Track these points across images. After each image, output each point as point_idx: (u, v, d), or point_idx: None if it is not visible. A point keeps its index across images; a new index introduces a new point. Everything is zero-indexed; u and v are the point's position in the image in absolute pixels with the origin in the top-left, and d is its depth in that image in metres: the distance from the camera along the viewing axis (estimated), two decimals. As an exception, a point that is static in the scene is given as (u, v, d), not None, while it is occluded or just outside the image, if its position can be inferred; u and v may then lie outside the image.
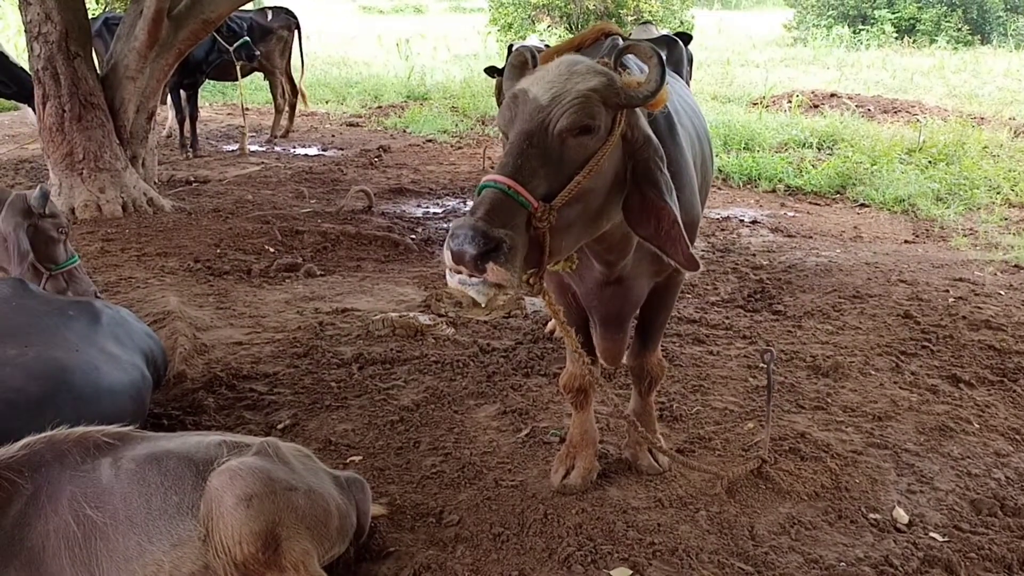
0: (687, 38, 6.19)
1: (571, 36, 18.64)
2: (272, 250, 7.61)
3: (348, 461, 4.15)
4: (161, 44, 8.49)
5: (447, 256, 2.45)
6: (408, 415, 4.61)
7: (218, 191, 9.84)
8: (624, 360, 4.11)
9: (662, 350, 5.08)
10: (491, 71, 10.79)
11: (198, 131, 12.57)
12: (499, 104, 9.62)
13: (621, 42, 3.72)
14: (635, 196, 2.86)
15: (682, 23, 23.70)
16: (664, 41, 5.26)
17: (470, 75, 19.01)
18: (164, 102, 12.53)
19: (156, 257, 7.27)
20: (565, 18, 23.32)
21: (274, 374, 5.12)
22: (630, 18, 23.19)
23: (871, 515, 3.71)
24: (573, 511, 3.71)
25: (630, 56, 3.16)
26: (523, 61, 2.94)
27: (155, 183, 9.39)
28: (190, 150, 12.19)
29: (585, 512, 3.70)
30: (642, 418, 4.11)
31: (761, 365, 5.14)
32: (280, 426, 4.48)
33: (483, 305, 2.71)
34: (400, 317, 5.80)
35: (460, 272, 2.45)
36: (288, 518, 3.04)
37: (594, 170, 2.70)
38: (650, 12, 23.18)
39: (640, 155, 2.84)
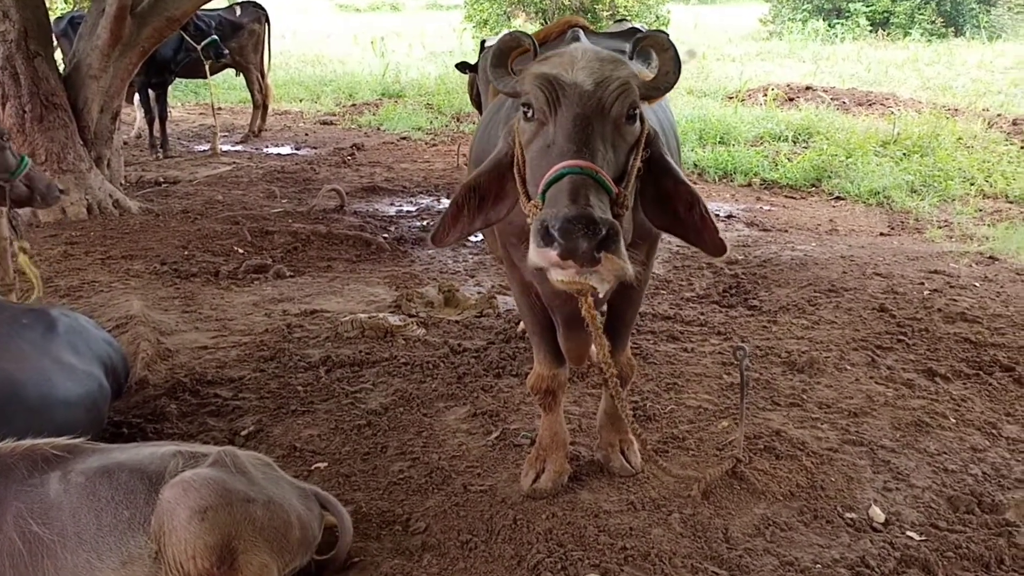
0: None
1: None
2: (241, 251, 7.47)
3: (313, 468, 4.04)
4: (125, 42, 8.31)
5: (551, 253, 2.25)
6: (376, 419, 4.50)
7: (188, 192, 9.68)
8: (594, 359, 4.03)
9: (635, 348, 5.03)
10: (462, 67, 10.67)
11: (168, 131, 12.37)
12: (473, 99, 9.52)
13: (582, 34, 3.65)
14: (649, 187, 2.82)
15: (658, 18, 23.66)
16: (631, 33, 5.16)
17: (445, 72, 18.86)
18: (132, 102, 12.35)
19: (121, 260, 7.12)
20: (540, 14, 23.20)
21: (239, 379, 5.00)
22: (605, 13, 23.10)
23: (847, 514, 3.65)
24: (543, 516, 3.62)
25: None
26: (517, 44, 2.84)
27: (122, 184, 9.22)
28: (160, 150, 12.00)
29: (555, 517, 3.61)
30: (614, 419, 4.03)
31: (735, 362, 5.07)
32: (244, 432, 4.36)
33: (601, 295, 2.56)
34: (369, 318, 5.69)
35: (568, 267, 2.29)
36: (245, 531, 2.94)
37: (641, 156, 2.67)
38: (626, 8, 23.10)
39: (654, 145, 2.81)
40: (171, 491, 2.91)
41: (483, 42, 10.57)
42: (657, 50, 2.75)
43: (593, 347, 3.91)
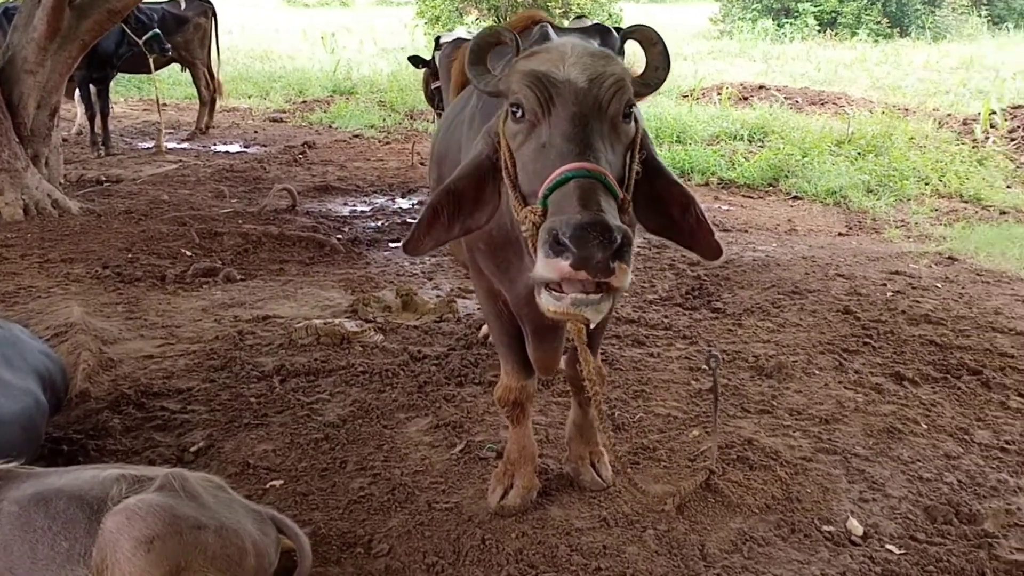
0: (615, 32, 5.97)
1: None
2: (189, 254, 7.18)
3: (268, 486, 3.83)
4: (63, 35, 7.94)
5: (562, 264, 2.05)
6: (333, 432, 4.29)
7: (131, 191, 9.30)
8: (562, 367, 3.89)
9: (601, 353, 4.87)
10: (415, 60, 10.48)
11: (111, 128, 11.95)
12: (428, 96, 9.30)
13: (550, 29, 3.48)
14: (642, 190, 2.63)
15: (610, 16, 23.61)
16: (596, 30, 5.02)
17: (398, 69, 18.60)
18: (72, 97, 11.90)
19: (60, 264, 6.78)
20: (493, 10, 22.97)
21: (188, 390, 4.74)
22: (558, 11, 22.99)
23: (825, 527, 3.54)
24: (513, 535, 3.46)
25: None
26: (496, 40, 2.65)
27: (61, 183, 8.82)
28: (102, 148, 11.57)
29: (525, 536, 3.45)
30: (583, 430, 3.88)
31: (705, 368, 4.96)
32: (193, 448, 4.12)
33: (592, 326, 2.32)
34: (325, 324, 5.47)
35: (578, 281, 2.09)
36: (196, 560, 2.73)
37: (638, 157, 2.52)
38: (579, 5, 23.01)
39: (645, 146, 2.65)
40: (114, 520, 2.69)
41: (438, 38, 10.39)
42: (645, 44, 2.59)
43: (578, 358, 3.75)
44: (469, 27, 20.98)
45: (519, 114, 2.41)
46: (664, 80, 2.58)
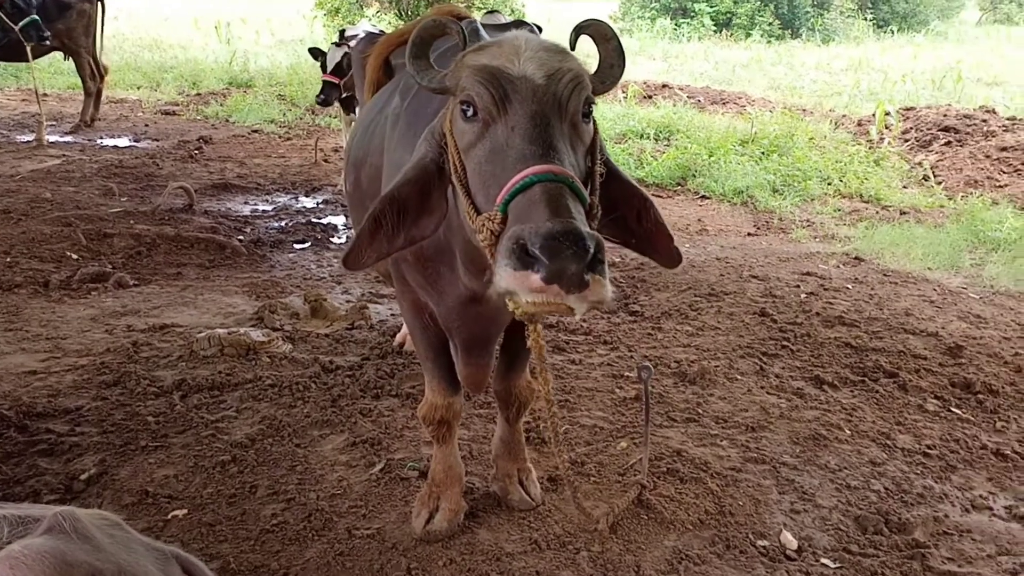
0: (538, 30, 5.82)
1: (402, 22, 17.93)
2: (75, 257, 6.67)
3: (170, 516, 3.51)
4: (-69, 19, 7.30)
5: (532, 278, 1.84)
6: (241, 453, 3.99)
7: (9, 188, 8.62)
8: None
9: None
10: (315, 53, 10.11)
11: (-15, 119, 11.15)
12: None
13: (480, 26, 3.28)
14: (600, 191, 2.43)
15: (512, 11, 23.47)
16: (516, 27, 4.84)
17: (297, 61, 18.04)
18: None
19: (-70, 269, 6.21)
20: (394, 3, 22.54)
21: (77, 409, 4.35)
22: (461, 4, 22.74)
23: (759, 542, 3.47)
24: (440, 562, 3.26)
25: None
26: (441, 32, 2.41)
27: (-70, 180, 8.13)
28: (-24, 141, 10.78)
29: (454, 563, 3.26)
30: (511, 446, 3.71)
31: (630, 376, 4.86)
32: (84, 476, 3.75)
33: (577, 318, 2.03)
34: (229, 334, 5.12)
35: (550, 294, 1.86)
36: (92, 614, 2.43)
37: (599, 158, 2.34)
38: (483, 0, 22.80)
39: (600, 145, 2.44)
40: (-5, 572, 2.37)
41: (342, 31, 10.06)
42: (598, 40, 2.41)
43: (506, 373, 3.57)
44: (371, 19, 20.54)
45: (470, 112, 2.20)
46: (620, 77, 2.41)
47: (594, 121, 2.37)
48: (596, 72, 2.37)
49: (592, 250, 1.85)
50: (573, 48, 2.37)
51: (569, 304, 1.89)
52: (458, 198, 2.31)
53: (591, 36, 2.40)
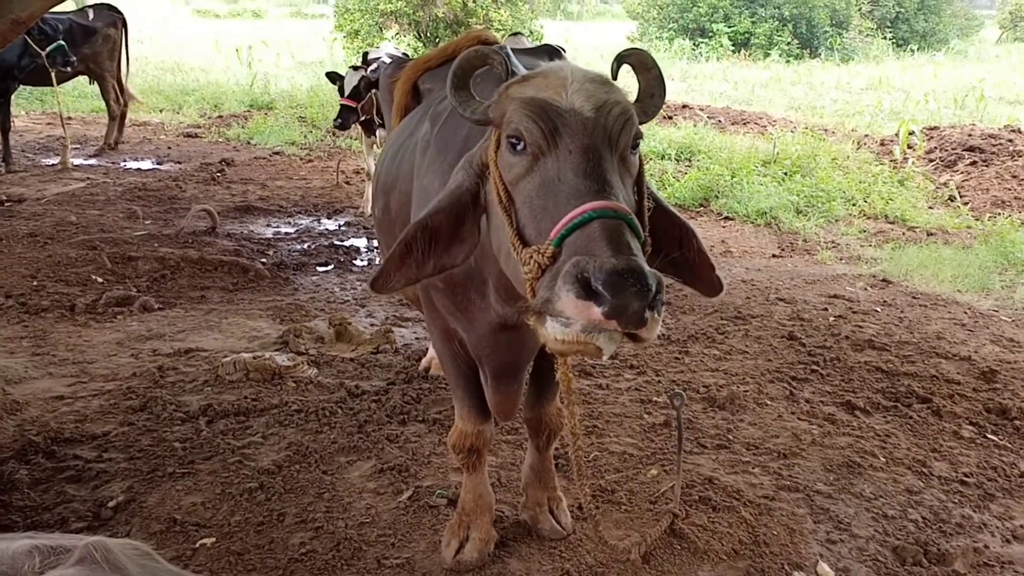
0: (562, 51, 5.81)
1: (422, 44, 17.95)
2: (100, 280, 6.70)
3: (198, 545, 3.48)
4: (-39, 46, 7.37)
5: (593, 310, 1.82)
6: (269, 480, 3.96)
7: (35, 212, 8.69)
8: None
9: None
10: (332, 77, 10.16)
11: (11, 143, 11.22)
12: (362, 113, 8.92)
13: (511, 52, 3.26)
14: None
15: (531, 32, 23.56)
16: (545, 50, 4.83)
17: (317, 83, 18.13)
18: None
19: (-43, 293, 6.24)
20: (414, 25, 22.66)
21: (104, 435, 4.34)
22: (479, 26, 22.84)
23: (795, 573, 3.40)
24: (471, 593, 3.20)
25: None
26: (483, 63, 2.37)
27: (-42, 204, 8.20)
28: (2, 165, 10.85)
29: (485, 594, 3.20)
30: (541, 475, 3.67)
31: (661, 403, 4.81)
32: (112, 503, 3.74)
33: (604, 359, 2.04)
34: (254, 358, 5.11)
35: (608, 328, 1.84)
36: (123, 647, 2.39)
37: (646, 192, 2.35)
38: (500, 21, 22.88)
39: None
40: (27, 606, 2.34)
41: (365, 54, 10.10)
42: (639, 69, 2.38)
43: (536, 401, 3.53)
44: (392, 41, 20.67)
45: (520, 146, 2.17)
46: (661, 107, 2.38)
47: (640, 152, 2.34)
48: (637, 101, 2.34)
49: (654, 289, 1.84)
50: (615, 77, 2.34)
51: (599, 344, 1.87)
52: (498, 229, 2.28)
53: (632, 65, 2.37)
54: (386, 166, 3.57)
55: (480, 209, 2.40)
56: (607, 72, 2.35)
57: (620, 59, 2.36)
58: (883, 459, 4.29)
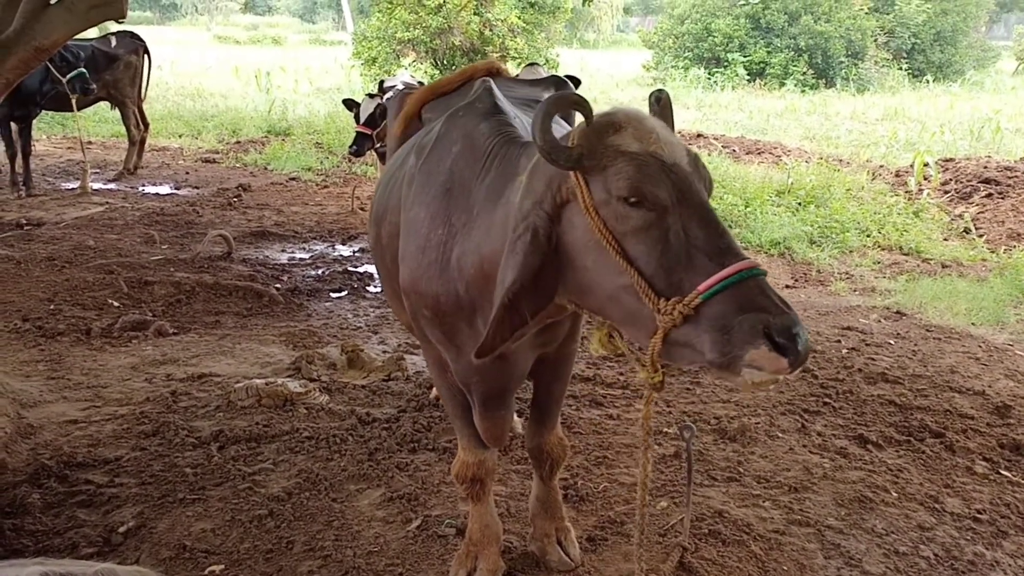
0: (576, 81, 5.86)
1: (438, 72, 18.11)
2: (117, 305, 6.77)
3: (207, 572, 3.49)
4: (-14, 72, 7.51)
5: (782, 362, 2.09)
6: (279, 507, 3.97)
7: (54, 236, 8.80)
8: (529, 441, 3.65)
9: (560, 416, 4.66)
10: (348, 104, 10.28)
11: (32, 167, 11.39)
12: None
13: (492, 84, 3.31)
14: None
15: (547, 61, 23.73)
16: (553, 82, 4.87)
17: (334, 110, 18.32)
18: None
19: (-25, 316, 6.32)
20: (431, 53, 22.89)
21: (116, 460, 4.38)
22: (495, 55, 23.03)
23: (806, 610, 3.37)
24: (479, 625, 3.19)
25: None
26: (569, 108, 2.45)
27: (-22, 227, 8.31)
28: (22, 188, 11.00)
29: (493, 626, 3.19)
30: (547, 505, 3.66)
31: (672, 434, 4.79)
32: (122, 529, 3.76)
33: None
34: (267, 384, 5.14)
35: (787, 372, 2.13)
36: (131, 673, 2.41)
37: None
38: (516, 50, 23.08)
39: None
40: (36, 632, 2.36)
41: (381, 82, 10.22)
42: (664, 108, 2.52)
43: (538, 430, 3.55)
44: (408, 69, 20.87)
45: (635, 201, 2.25)
46: None
47: None
48: None
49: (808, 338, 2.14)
50: (655, 115, 2.47)
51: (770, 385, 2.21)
52: (595, 272, 2.38)
53: (661, 105, 2.51)
54: (378, 197, 3.61)
55: (552, 250, 2.45)
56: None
57: (657, 99, 2.48)
58: (895, 494, 4.26)
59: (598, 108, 2.38)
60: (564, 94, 2.42)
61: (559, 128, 2.97)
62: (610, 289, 2.36)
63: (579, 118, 2.41)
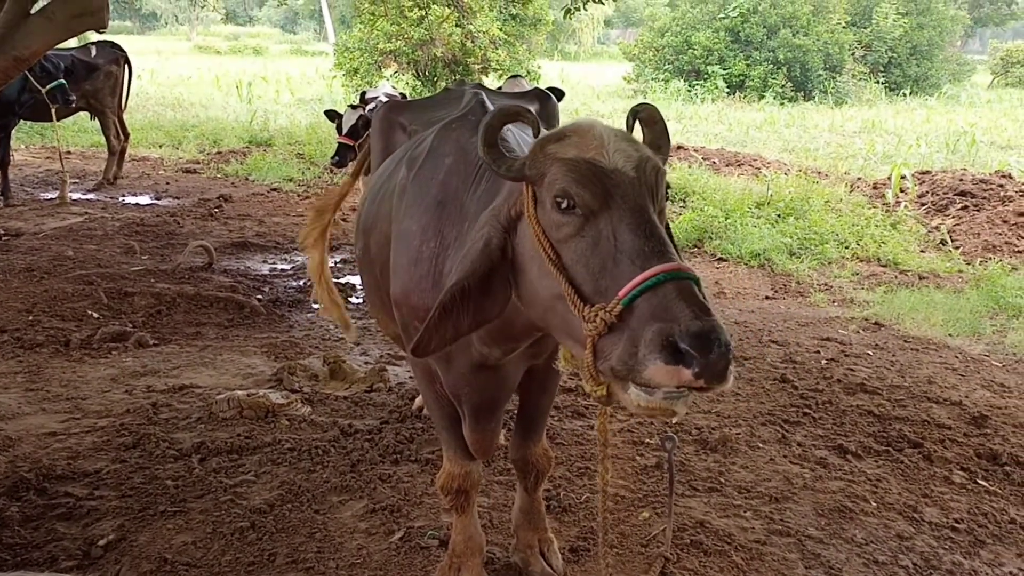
0: (560, 93, 5.91)
1: (420, 83, 18.10)
2: (96, 316, 6.72)
3: (188, 585, 3.47)
4: (-36, 82, 7.46)
5: (684, 373, 1.90)
6: (260, 519, 3.96)
7: (32, 246, 8.73)
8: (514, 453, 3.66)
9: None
10: (331, 115, 10.28)
11: (10, 177, 11.29)
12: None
13: (483, 94, 3.34)
14: None
15: (528, 72, 23.82)
16: (535, 95, 4.91)
17: (316, 120, 18.29)
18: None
19: (-48, 327, 6.25)
20: (412, 64, 22.92)
21: (96, 472, 4.34)
22: (477, 66, 23.11)
23: (787, 619, 3.39)
24: (462, 637, 3.20)
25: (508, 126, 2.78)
26: (514, 119, 2.45)
27: (-45, 237, 8.24)
28: (0, 198, 10.92)
29: (476, 638, 3.19)
30: (531, 516, 3.68)
31: (653, 445, 4.82)
32: (102, 542, 3.73)
33: (676, 420, 2.18)
34: (248, 396, 5.12)
35: (696, 386, 1.95)
36: None
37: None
38: (497, 61, 23.15)
39: None
40: (15, 647, 2.34)
41: (363, 93, 10.24)
42: (647, 123, 2.47)
43: (523, 442, 3.56)
44: (390, 80, 20.89)
45: (565, 205, 2.22)
46: (667, 159, 2.44)
47: None
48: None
49: (731, 346, 1.94)
50: (631, 131, 2.42)
51: (676, 408, 1.99)
52: (535, 282, 2.34)
53: (641, 120, 2.46)
54: (367, 208, 3.62)
55: (507, 262, 2.44)
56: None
57: (635, 114, 2.44)
58: (874, 504, 4.31)
59: (578, 119, 2.41)
60: (508, 106, 2.44)
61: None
62: (547, 299, 2.31)
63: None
